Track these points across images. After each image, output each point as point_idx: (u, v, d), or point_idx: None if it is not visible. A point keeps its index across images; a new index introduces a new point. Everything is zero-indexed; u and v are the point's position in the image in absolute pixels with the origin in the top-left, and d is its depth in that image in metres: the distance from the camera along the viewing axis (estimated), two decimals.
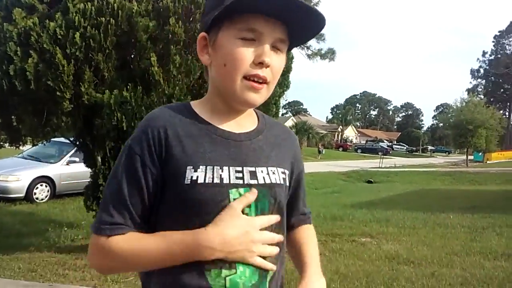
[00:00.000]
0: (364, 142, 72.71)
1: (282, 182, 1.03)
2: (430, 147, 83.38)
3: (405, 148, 72.85)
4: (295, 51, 7.83)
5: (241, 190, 0.96)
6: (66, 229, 6.63)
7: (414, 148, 76.19)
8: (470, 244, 5.77)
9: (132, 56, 4.78)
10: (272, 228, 0.99)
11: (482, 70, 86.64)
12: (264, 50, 0.95)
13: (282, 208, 1.04)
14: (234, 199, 0.94)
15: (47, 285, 4.17)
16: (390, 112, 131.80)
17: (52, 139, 6.70)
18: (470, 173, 22.46)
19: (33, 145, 7.38)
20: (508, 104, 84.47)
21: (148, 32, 4.51)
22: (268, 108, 6.12)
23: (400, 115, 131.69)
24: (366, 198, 11.10)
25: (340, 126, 74.82)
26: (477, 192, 13.24)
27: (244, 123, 1.05)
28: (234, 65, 0.95)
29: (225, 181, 0.94)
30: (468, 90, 74.46)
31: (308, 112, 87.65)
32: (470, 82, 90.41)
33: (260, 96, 0.99)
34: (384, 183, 17.76)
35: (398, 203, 10.10)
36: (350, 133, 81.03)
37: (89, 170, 5.18)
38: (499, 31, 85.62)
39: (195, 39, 4.63)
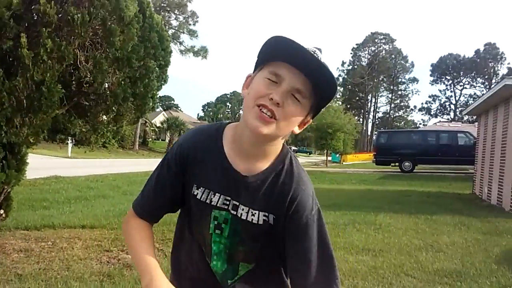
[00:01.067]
0: None
1: (261, 222, 1.24)
2: (293, 148, 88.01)
3: None
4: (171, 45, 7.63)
5: (222, 212, 1.26)
6: None
7: None
8: (334, 240, 6.11)
9: None
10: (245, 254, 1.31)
11: (341, 79, 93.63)
12: (278, 90, 1.13)
13: (256, 241, 1.28)
14: (214, 215, 1.27)
15: None
16: None
17: None
18: (330, 173, 24.05)
19: None
20: (362, 111, 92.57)
21: (11, 9, 4.03)
22: (144, 102, 5.89)
23: None
24: None
25: None
26: (337, 191, 14.21)
27: (256, 160, 1.25)
28: (254, 93, 1.16)
29: (213, 203, 1.26)
30: None
31: (179, 108, 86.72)
32: None
33: (266, 128, 1.14)
34: None
35: None
36: None
37: None
38: (356, 44, 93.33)
39: (67, 23, 4.30)
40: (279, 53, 1.14)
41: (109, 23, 4.59)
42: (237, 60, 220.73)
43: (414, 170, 23.25)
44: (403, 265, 4.95)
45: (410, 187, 15.33)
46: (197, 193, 1.27)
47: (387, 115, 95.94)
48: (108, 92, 5.36)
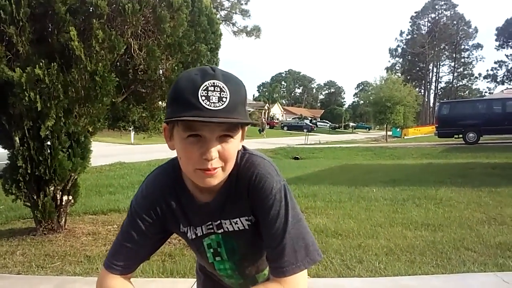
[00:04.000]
0: (290, 119, 74.03)
1: (246, 227, 1.27)
2: (351, 124, 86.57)
3: (328, 125, 75.05)
4: (222, 28, 7.69)
5: (212, 236, 1.31)
6: None
7: (337, 125, 78.73)
8: (392, 216, 6.04)
9: (50, 29, 4.47)
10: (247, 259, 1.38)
11: (399, 49, 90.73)
12: (208, 148, 1.08)
13: (254, 248, 1.34)
14: (207, 244, 1.33)
15: None
16: (314, 90, 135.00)
17: None
18: (389, 148, 23.52)
19: None
20: (423, 81, 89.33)
21: (67, 4, 4.21)
22: None
23: (323, 93, 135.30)
24: (294, 174, 11.29)
25: (267, 104, 75.55)
26: (396, 166, 13.90)
27: (215, 186, 1.19)
28: (186, 160, 1.13)
29: (199, 234, 1.30)
30: (387, 69, 77.99)
31: None
32: (389, 61, 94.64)
33: (215, 178, 1.13)
34: (310, 159, 18.17)
35: (324, 178, 10.37)
36: (276, 110, 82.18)
37: (6, 151, 4.83)
38: (415, 12, 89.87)
39: (119, 13, 4.45)
40: (182, 113, 1.05)
41: (159, 10, 4.70)
42: (290, 37, 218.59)
43: (479, 142, 22.24)
44: (463, 240, 4.81)
45: (475, 159, 14.70)
46: (185, 231, 1.31)
47: (450, 85, 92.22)
48: (162, 78, 5.52)
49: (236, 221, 1.27)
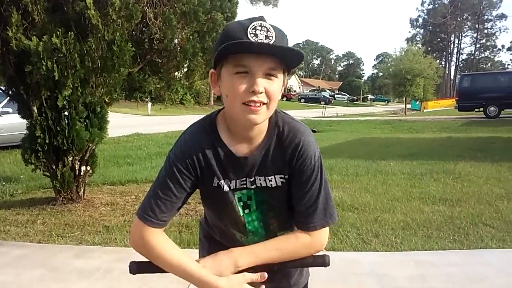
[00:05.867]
0: (308, 91, 73.45)
1: (280, 184, 1.32)
2: (370, 96, 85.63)
3: (347, 97, 74.31)
4: None
5: (243, 191, 1.34)
6: (3, 183, 6.35)
7: (355, 97, 77.98)
8: (410, 190, 5.98)
9: None
10: (271, 221, 1.40)
11: (420, 20, 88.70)
12: (255, 81, 1.16)
13: (282, 199, 1.36)
14: (238, 197, 1.34)
15: None
16: (332, 62, 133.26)
17: None
18: (408, 121, 23.23)
19: None
20: (444, 53, 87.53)
21: None
22: None
23: (342, 64, 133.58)
24: None
25: None
26: (415, 140, 13.74)
27: (253, 138, 1.30)
28: (233, 95, 1.18)
29: (232, 187, 1.32)
30: (407, 40, 76.42)
31: None
32: (409, 32, 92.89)
33: (259, 116, 1.20)
34: (327, 132, 18.04)
35: (341, 151, 10.29)
36: (293, 82, 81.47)
37: (25, 121, 4.87)
38: None
39: None
40: (233, 47, 1.14)
41: None
42: (309, 6, 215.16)
43: (500, 115, 21.83)
44: (482, 215, 4.75)
45: (495, 133, 14.45)
46: (220, 184, 1.32)
47: (472, 57, 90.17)
48: (178, 48, 5.47)
49: (271, 178, 1.33)
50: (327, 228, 1.33)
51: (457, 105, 23.58)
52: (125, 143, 11.90)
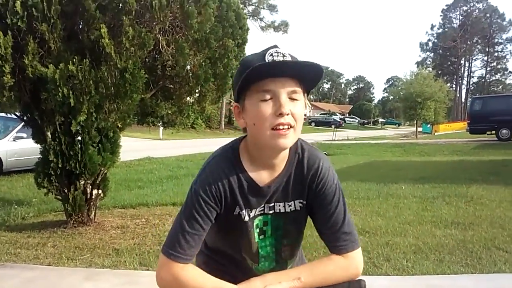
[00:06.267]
0: (318, 115, 73.58)
1: (298, 209, 1.37)
2: (381, 120, 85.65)
3: (357, 120, 74.37)
4: (249, 23, 7.72)
5: (260, 217, 1.37)
6: (16, 207, 6.41)
7: (366, 121, 78.00)
8: (421, 214, 5.94)
9: (80, 26, 4.55)
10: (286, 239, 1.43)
11: (430, 43, 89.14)
12: (281, 103, 1.19)
13: (298, 224, 1.42)
14: (256, 224, 1.37)
15: None
16: (342, 85, 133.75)
17: None
18: (419, 144, 23.14)
19: None
20: (455, 76, 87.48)
21: (97, 1, 4.28)
22: (225, 81, 6.02)
23: (352, 88, 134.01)
24: None
25: None
26: (426, 163, 13.68)
27: (276, 165, 1.33)
28: (261, 121, 1.21)
29: (252, 216, 1.35)
30: (418, 63, 76.79)
31: None
32: (419, 55, 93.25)
33: (288, 139, 1.23)
34: (337, 155, 18.00)
35: (351, 174, 10.27)
36: None
37: (38, 146, 4.96)
38: (446, 5, 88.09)
39: (147, 9, 4.49)
40: (255, 72, 1.18)
41: (187, 6, 4.72)
42: (318, 31, 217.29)
43: None
44: (495, 239, 4.69)
45: (508, 156, 14.32)
46: (241, 213, 1.34)
47: (483, 80, 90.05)
48: (190, 74, 5.56)
49: (291, 203, 1.37)
50: (360, 252, 1.35)
51: (468, 128, 23.46)
52: (137, 167, 11.99)
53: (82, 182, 5.03)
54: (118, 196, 7.21)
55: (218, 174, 1.31)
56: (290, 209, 1.37)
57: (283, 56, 1.21)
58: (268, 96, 1.20)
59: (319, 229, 1.37)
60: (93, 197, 5.26)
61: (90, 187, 5.18)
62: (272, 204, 1.36)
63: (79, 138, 4.72)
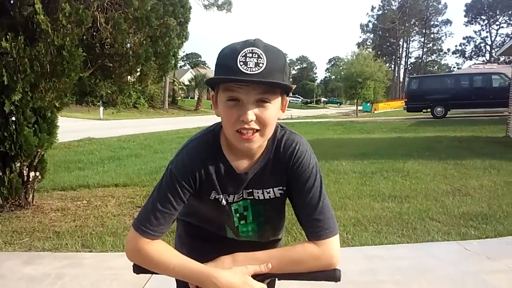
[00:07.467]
0: None
1: (278, 196, 1.36)
2: (323, 99, 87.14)
3: (300, 100, 75.23)
4: (192, 1, 7.55)
5: (240, 202, 1.37)
6: None
7: (309, 100, 79.10)
8: (361, 188, 6.18)
9: (12, 1, 4.32)
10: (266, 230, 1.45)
11: (370, 25, 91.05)
12: (245, 111, 1.16)
13: (279, 209, 1.43)
14: (234, 209, 1.37)
15: None
16: None
17: None
18: (359, 122, 23.83)
19: None
20: (394, 57, 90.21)
21: None
22: (166, 60, 5.93)
23: (296, 68, 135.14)
24: None
25: None
26: (366, 140, 14.13)
27: (253, 154, 1.31)
28: (226, 122, 1.21)
29: (230, 201, 1.35)
30: (358, 44, 78.32)
31: (206, 65, 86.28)
32: (360, 36, 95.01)
33: (252, 143, 1.21)
34: None
35: None
36: None
37: None
38: None
39: None
40: (223, 77, 1.17)
41: None
42: (262, 11, 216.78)
43: (447, 116, 22.76)
44: (429, 210, 4.98)
45: (442, 133, 15.07)
46: (217, 197, 1.34)
47: (420, 60, 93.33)
48: (130, 52, 5.43)
49: (269, 190, 1.35)
50: (337, 241, 1.28)
51: (406, 106, 24.36)
52: (76, 148, 11.63)
53: (18, 164, 4.84)
54: (58, 178, 6.99)
55: (194, 157, 1.31)
56: (269, 196, 1.36)
57: (258, 57, 1.14)
58: (235, 98, 1.17)
59: (296, 214, 1.33)
60: (30, 179, 5.08)
61: (27, 169, 5.00)
62: (250, 190, 1.35)
63: (13, 118, 4.52)
